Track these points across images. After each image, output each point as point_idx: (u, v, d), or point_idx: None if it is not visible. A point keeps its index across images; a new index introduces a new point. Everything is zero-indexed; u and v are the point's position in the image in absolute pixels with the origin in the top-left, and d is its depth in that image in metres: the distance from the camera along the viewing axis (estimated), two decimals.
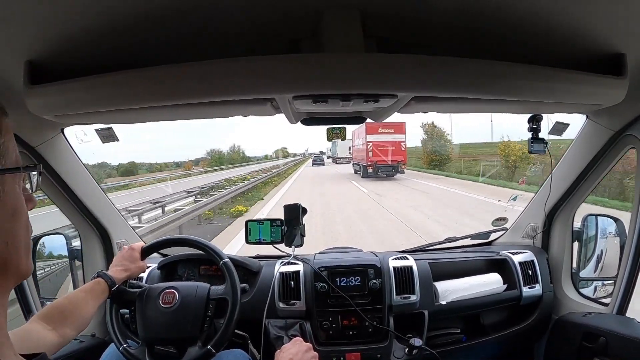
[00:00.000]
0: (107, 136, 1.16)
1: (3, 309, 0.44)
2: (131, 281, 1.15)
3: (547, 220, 1.54)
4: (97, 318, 1.33)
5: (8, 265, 0.43)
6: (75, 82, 0.74)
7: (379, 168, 17.74)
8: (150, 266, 1.43)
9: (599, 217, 1.50)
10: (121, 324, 1.11)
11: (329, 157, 51.89)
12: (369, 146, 17.74)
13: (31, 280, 1.24)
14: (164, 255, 1.59)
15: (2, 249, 0.42)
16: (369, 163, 17.75)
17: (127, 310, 1.13)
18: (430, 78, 0.73)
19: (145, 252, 1.18)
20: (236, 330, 1.18)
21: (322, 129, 1.32)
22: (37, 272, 1.37)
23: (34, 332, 0.78)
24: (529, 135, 1.26)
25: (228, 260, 1.15)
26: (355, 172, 21.84)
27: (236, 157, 56.73)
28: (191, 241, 1.21)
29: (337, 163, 37.27)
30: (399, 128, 18.19)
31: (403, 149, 18.24)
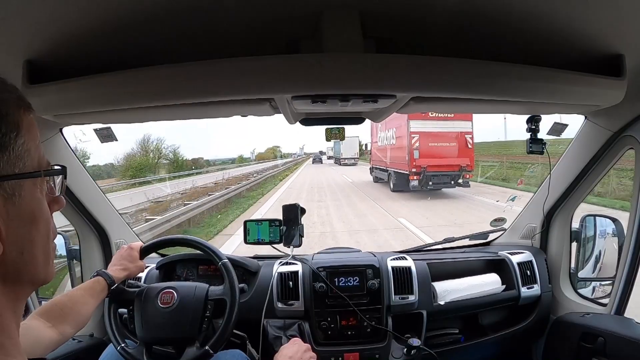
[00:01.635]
0: (106, 136, 1.16)
1: (16, 317, 0.41)
2: (129, 281, 1.15)
3: (545, 220, 1.55)
4: (95, 318, 1.33)
5: (22, 274, 0.40)
6: (73, 81, 0.74)
7: (430, 177, 10.70)
8: (148, 266, 1.43)
9: (597, 218, 1.51)
10: (119, 323, 1.11)
11: (329, 158, 47.90)
12: (413, 141, 10.79)
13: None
14: (162, 255, 1.59)
15: (16, 258, 0.39)
16: (413, 169, 10.68)
17: (125, 310, 1.13)
18: (429, 78, 0.73)
19: (144, 252, 1.18)
20: (235, 331, 1.18)
21: (321, 129, 1.33)
22: None
23: (33, 328, 0.78)
24: (528, 135, 1.26)
25: (227, 260, 1.14)
26: (377, 180, 14.56)
27: (145, 163, 27.80)
28: (190, 241, 1.21)
29: (340, 164, 32.12)
30: None
31: (470, 145, 11.15)
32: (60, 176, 0.47)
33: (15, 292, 0.40)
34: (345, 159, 31.43)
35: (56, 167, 0.46)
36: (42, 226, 0.42)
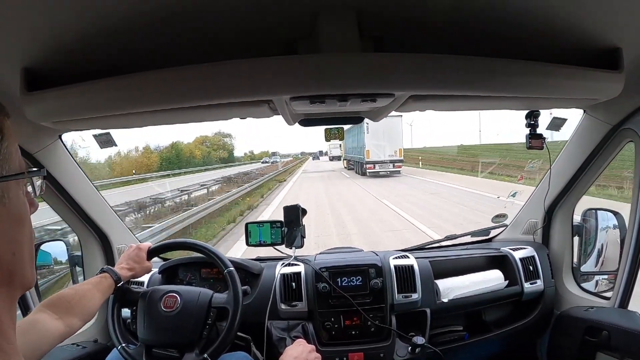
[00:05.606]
0: (105, 141, 1.16)
1: (13, 322, 0.42)
2: (133, 285, 1.15)
3: (546, 215, 1.55)
4: (99, 324, 1.33)
5: (15, 276, 0.42)
6: (72, 88, 0.74)
7: None
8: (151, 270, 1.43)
9: (598, 212, 1.51)
10: (122, 325, 1.11)
11: (333, 159, 37.21)
12: None
13: (32, 287, 1.24)
14: (164, 259, 1.59)
15: (9, 258, 0.41)
16: None
17: (128, 313, 1.13)
18: (426, 76, 0.73)
19: (152, 253, 1.18)
20: (239, 333, 1.18)
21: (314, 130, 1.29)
22: (38, 279, 1.36)
23: (40, 321, 0.78)
24: (527, 131, 1.26)
25: (233, 269, 1.14)
26: None
27: None
28: (198, 246, 1.21)
29: (365, 173, 16.71)
30: None
31: None
32: (40, 177, 0.49)
33: (9, 295, 0.42)
34: (374, 162, 15.96)
35: (34, 169, 0.48)
36: (27, 227, 0.44)
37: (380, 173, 16.27)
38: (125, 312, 1.17)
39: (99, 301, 0.94)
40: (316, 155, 58.04)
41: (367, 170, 16.43)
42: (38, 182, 0.48)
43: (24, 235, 0.43)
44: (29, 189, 0.47)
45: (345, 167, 23.33)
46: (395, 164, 16.22)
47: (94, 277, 1.00)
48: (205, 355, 1.02)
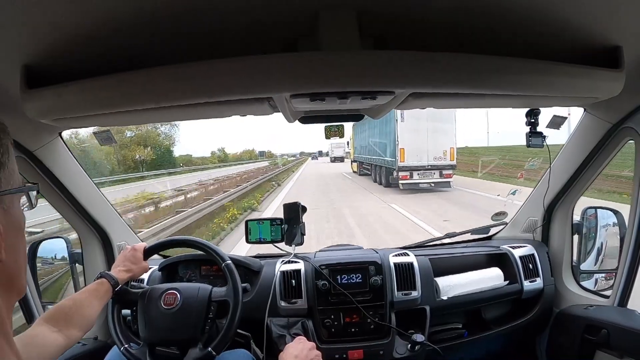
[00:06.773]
0: (105, 139, 1.17)
1: (11, 326, 0.44)
2: (132, 283, 1.15)
3: (546, 213, 1.55)
4: (99, 321, 1.33)
5: (15, 281, 0.45)
6: (72, 85, 0.74)
7: None
8: (151, 267, 1.43)
9: (598, 210, 1.51)
10: (123, 325, 1.11)
11: (335, 160, 32.09)
12: None
13: (32, 285, 1.24)
14: (164, 256, 1.59)
15: (13, 265, 0.44)
16: None
17: (128, 311, 1.13)
18: (427, 74, 0.72)
19: (148, 253, 1.18)
20: (238, 330, 1.19)
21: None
22: (38, 277, 1.36)
23: (39, 335, 0.78)
24: (527, 129, 1.26)
25: (230, 262, 1.14)
26: None
27: None
28: (194, 242, 1.21)
29: (387, 184, 11.82)
30: None
31: None
32: (35, 192, 0.52)
33: (9, 300, 0.44)
34: (412, 168, 10.62)
35: (33, 183, 0.53)
36: (24, 237, 0.48)
37: (421, 185, 10.81)
38: (126, 311, 1.17)
39: (97, 308, 0.94)
40: (315, 156, 55.66)
41: (400, 181, 10.76)
42: (33, 195, 0.52)
43: (22, 244, 0.47)
44: (23, 199, 0.50)
45: (355, 172, 17.59)
46: (444, 172, 10.74)
47: (91, 284, 0.99)
48: (209, 349, 1.03)
